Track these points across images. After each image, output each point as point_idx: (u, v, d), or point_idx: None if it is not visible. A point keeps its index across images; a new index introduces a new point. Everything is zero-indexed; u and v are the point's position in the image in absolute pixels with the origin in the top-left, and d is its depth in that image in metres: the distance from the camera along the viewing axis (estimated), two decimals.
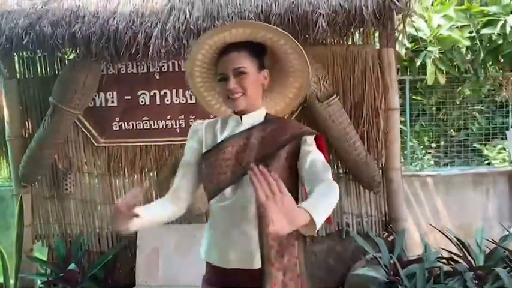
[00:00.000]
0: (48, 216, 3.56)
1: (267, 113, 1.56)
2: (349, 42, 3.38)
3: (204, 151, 1.55)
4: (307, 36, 2.96)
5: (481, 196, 4.30)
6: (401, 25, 3.10)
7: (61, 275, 3.15)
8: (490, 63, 4.19)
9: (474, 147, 4.95)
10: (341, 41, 3.32)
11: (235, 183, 1.47)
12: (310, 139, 1.48)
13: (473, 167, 4.57)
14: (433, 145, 5.16)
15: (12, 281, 3.15)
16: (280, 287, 1.42)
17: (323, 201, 1.24)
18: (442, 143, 5.11)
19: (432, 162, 5.22)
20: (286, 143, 1.46)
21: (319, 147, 1.49)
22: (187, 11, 2.99)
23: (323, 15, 2.88)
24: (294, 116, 3.28)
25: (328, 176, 1.35)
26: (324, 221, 1.21)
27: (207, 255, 1.54)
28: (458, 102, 4.94)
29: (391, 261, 2.85)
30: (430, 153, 5.20)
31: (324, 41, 3.20)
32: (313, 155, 1.42)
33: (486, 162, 5.00)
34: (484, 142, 4.97)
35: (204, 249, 1.56)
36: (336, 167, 3.44)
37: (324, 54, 3.26)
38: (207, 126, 1.60)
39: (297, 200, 1.34)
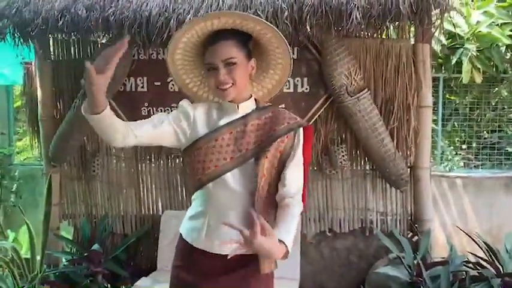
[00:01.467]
0: (75, 196, 3.63)
1: (256, 100, 1.63)
2: (383, 36, 3.31)
3: (196, 136, 1.55)
4: (340, 28, 2.91)
5: None
6: (439, 20, 3.00)
7: (85, 254, 3.22)
8: None
9: (506, 150, 4.80)
10: (375, 35, 3.24)
11: (236, 168, 1.52)
12: (301, 131, 1.58)
13: (505, 170, 4.42)
14: (464, 146, 5.02)
15: (38, 257, 3.24)
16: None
17: (292, 225, 1.48)
18: (474, 144, 4.96)
19: (462, 164, 5.08)
20: (283, 134, 1.53)
21: (307, 136, 1.59)
22: (221, 0, 2.98)
23: (358, 7, 2.81)
24: (323, 108, 3.25)
25: (298, 192, 1.54)
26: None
27: (195, 238, 1.56)
28: (493, 103, 4.78)
29: (415, 262, 2.78)
30: (460, 154, 5.06)
31: (358, 34, 3.13)
32: (298, 165, 1.56)
33: None
34: None
35: (192, 231, 1.58)
36: (362, 162, 3.38)
37: (357, 47, 3.19)
38: (199, 111, 1.59)
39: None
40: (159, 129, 1.52)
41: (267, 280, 1.59)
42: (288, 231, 1.44)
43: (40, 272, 3.11)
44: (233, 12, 1.55)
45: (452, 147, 5.00)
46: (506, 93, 4.81)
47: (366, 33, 3.20)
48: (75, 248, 3.48)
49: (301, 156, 1.57)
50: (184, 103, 1.59)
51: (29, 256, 3.28)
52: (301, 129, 1.58)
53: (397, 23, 3.02)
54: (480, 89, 4.45)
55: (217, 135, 1.53)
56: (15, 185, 4.63)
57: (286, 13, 2.87)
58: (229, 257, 1.39)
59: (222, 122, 1.56)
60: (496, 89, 4.56)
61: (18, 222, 4.01)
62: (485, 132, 4.96)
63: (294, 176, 1.54)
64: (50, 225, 3.35)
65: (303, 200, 1.57)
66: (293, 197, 1.51)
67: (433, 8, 2.85)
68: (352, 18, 2.80)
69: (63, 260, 3.52)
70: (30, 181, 4.74)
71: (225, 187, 1.51)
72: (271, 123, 1.56)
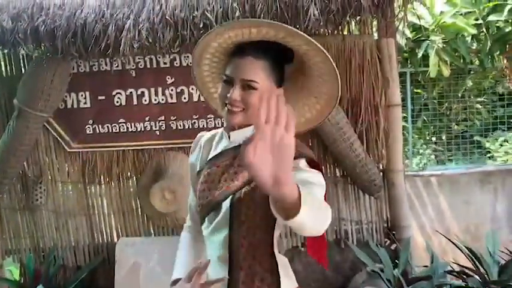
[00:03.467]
0: (19, 229, 3.25)
1: None
2: (345, 33, 3.08)
3: (197, 169, 1.40)
4: (297, 25, 2.66)
5: (488, 196, 4.02)
6: (402, 13, 2.80)
7: None
8: (498, 52, 3.88)
9: (475, 140, 4.71)
10: (336, 31, 3.01)
11: (215, 210, 1.27)
12: (303, 163, 1.22)
13: (479, 165, 4.29)
14: (433, 139, 4.92)
15: None
16: None
17: (315, 204, 1.01)
18: (444, 137, 4.86)
19: (433, 157, 5.00)
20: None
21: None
22: (163, 0, 2.68)
23: (315, 3, 2.57)
24: None
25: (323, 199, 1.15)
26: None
27: None
28: (459, 95, 4.67)
29: (394, 274, 2.56)
30: (432, 147, 4.97)
31: (317, 31, 2.89)
32: (311, 179, 1.16)
33: (488, 155, 4.78)
34: (484, 134, 4.75)
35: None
36: (332, 169, 3.14)
37: None
38: (207, 139, 1.43)
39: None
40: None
41: None
42: (305, 193, 0.97)
43: None
44: (275, 23, 1.21)
45: (422, 142, 4.91)
46: (471, 84, 4.72)
47: (326, 30, 2.96)
48: None
49: (315, 175, 1.21)
50: (197, 136, 1.48)
51: None
52: (303, 162, 1.23)
53: (358, 17, 2.79)
54: (448, 81, 4.30)
55: (205, 169, 1.34)
56: None
57: (237, 12, 2.61)
58: None
59: (215, 153, 1.34)
60: (463, 80, 4.43)
61: None
62: (454, 124, 4.88)
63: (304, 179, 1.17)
64: None
65: (323, 260, 1.44)
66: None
67: (395, 0, 2.64)
68: (310, 15, 2.56)
69: None
70: None
71: (206, 230, 1.35)
72: None
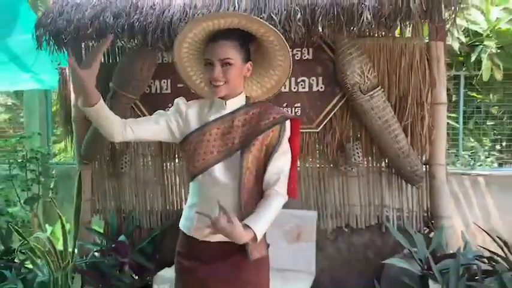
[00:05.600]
0: (106, 192, 3.86)
1: (247, 97, 1.73)
2: (398, 35, 3.36)
3: (188, 131, 1.70)
4: (352, 28, 3.00)
5: None
6: (452, 18, 3.03)
7: (113, 245, 3.43)
8: None
9: None
10: (389, 33, 3.30)
11: (222, 161, 1.64)
12: (288, 124, 1.66)
13: None
14: (497, 146, 4.92)
15: (70, 249, 3.48)
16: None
17: (266, 213, 1.55)
18: (504, 143, 4.88)
19: (496, 165, 4.98)
20: (268, 127, 1.63)
21: (295, 130, 1.68)
22: (236, 3, 3.13)
23: (368, 8, 2.89)
24: (337, 108, 3.33)
25: (280, 185, 1.60)
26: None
27: (189, 227, 1.73)
28: None
29: (426, 256, 2.82)
30: (493, 154, 4.96)
31: (371, 33, 3.21)
32: (282, 157, 1.63)
33: None
34: None
35: (186, 220, 1.76)
36: (378, 159, 3.43)
37: (371, 46, 3.26)
38: (192, 107, 1.75)
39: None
40: (156, 126, 1.69)
41: (258, 265, 1.69)
42: (259, 218, 1.53)
43: (72, 261, 3.35)
44: (238, 13, 1.69)
45: (483, 148, 4.88)
46: None
47: (380, 33, 3.26)
48: (105, 240, 3.70)
49: (286, 149, 1.65)
50: (179, 101, 1.76)
51: (62, 248, 3.52)
52: (288, 122, 1.66)
53: (408, 21, 3.07)
54: (503, 85, 4.39)
55: (205, 130, 1.66)
56: (52, 182, 4.95)
57: (299, 15, 2.99)
58: (206, 240, 1.59)
59: (211, 118, 1.69)
60: None
61: (56, 217, 4.29)
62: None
63: (276, 169, 1.62)
64: (82, 219, 3.59)
65: (292, 193, 1.67)
66: (274, 188, 1.60)
67: (443, 6, 2.89)
68: (363, 19, 2.89)
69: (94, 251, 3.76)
70: (66, 179, 5.06)
71: (212, 179, 1.64)
72: (257, 118, 1.66)
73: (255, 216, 1.53)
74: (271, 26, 1.61)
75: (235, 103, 1.70)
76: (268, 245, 1.74)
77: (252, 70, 1.72)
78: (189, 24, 1.64)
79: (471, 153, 4.79)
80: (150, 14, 3.25)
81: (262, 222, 1.53)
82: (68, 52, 3.62)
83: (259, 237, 1.50)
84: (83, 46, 3.77)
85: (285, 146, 1.65)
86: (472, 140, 4.90)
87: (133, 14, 3.27)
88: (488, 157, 4.85)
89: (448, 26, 3.15)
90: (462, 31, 3.65)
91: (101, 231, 3.86)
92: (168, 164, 3.77)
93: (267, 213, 1.55)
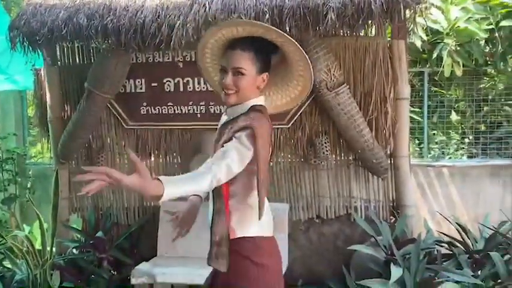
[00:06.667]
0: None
1: (252, 106, 1.66)
2: (362, 34, 3.52)
3: None
4: (317, 28, 3.14)
5: (497, 188, 4.32)
6: (412, 17, 3.20)
7: (91, 242, 3.52)
8: (510, 56, 4.19)
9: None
10: (354, 33, 3.45)
11: None
12: (244, 134, 1.57)
13: (489, 159, 4.58)
14: (457, 137, 5.15)
15: (48, 247, 3.55)
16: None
17: (182, 178, 1.47)
18: (471, 136, 5.09)
19: (465, 158, 5.18)
20: (234, 134, 1.59)
21: (260, 134, 1.57)
22: (207, 4, 3.24)
23: (333, 8, 3.04)
24: (306, 105, 3.48)
25: (213, 164, 1.49)
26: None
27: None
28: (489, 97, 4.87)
29: (390, 243, 3.00)
30: (463, 148, 5.15)
31: (336, 33, 3.36)
32: (230, 144, 1.56)
33: None
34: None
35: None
36: (345, 153, 3.60)
37: (336, 45, 3.42)
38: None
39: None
40: None
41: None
42: (175, 180, 1.44)
43: (50, 259, 3.42)
44: (255, 22, 1.66)
45: (454, 140, 5.05)
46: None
47: (345, 32, 3.42)
48: (83, 237, 3.78)
49: (240, 148, 1.56)
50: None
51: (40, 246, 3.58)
52: (250, 130, 1.57)
53: (370, 21, 3.22)
54: (463, 81, 4.63)
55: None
56: (29, 182, 4.98)
57: (267, 15, 3.10)
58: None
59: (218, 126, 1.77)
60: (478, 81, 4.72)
61: (33, 217, 4.33)
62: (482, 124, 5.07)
63: (216, 155, 1.57)
64: (60, 217, 3.66)
65: (260, 193, 1.64)
66: (210, 164, 1.51)
67: (402, 6, 3.06)
68: (328, 19, 3.02)
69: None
70: (43, 179, 5.09)
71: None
72: (233, 125, 1.63)
73: (171, 178, 1.45)
74: (290, 37, 1.57)
75: (235, 110, 1.68)
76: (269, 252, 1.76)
77: (277, 79, 1.75)
78: (209, 33, 1.67)
79: (440, 146, 5.01)
80: (123, 16, 3.32)
81: (175, 184, 1.42)
82: (43, 53, 3.68)
83: (165, 196, 1.39)
84: (57, 47, 3.83)
85: (237, 144, 1.57)
86: (440, 134, 5.11)
87: (107, 15, 3.34)
88: (458, 150, 5.07)
89: (408, 25, 3.33)
90: (424, 30, 3.84)
91: (79, 228, 3.92)
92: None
93: (183, 179, 1.47)
